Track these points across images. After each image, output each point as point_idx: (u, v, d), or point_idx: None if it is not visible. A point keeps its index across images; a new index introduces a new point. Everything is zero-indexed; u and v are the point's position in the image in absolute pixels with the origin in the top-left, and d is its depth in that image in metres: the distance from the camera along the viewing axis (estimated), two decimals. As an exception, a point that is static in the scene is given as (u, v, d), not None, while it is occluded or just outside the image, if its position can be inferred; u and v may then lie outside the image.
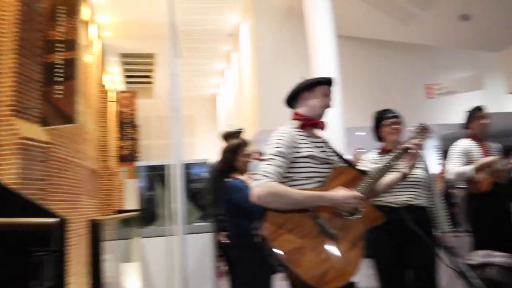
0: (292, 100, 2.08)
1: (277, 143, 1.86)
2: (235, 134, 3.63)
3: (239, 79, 12.10)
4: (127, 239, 4.74)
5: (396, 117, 2.63)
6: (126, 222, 4.78)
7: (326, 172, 1.89)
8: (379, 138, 2.69)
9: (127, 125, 11.46)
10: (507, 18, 7.20)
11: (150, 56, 11.65)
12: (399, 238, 2.44)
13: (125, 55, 11.67)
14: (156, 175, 4.50)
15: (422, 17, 7.56)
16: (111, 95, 10.98)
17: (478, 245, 3.23)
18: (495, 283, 2.76)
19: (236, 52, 12.05)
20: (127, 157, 11.02)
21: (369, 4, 7.76)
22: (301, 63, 8.55)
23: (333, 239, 1.73)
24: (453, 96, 7.81)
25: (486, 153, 3.31)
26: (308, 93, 2.01)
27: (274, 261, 1.65)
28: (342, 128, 5.45)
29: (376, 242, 2.41)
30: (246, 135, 3.04)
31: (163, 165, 4.16)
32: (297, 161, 1.87)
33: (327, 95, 2.00)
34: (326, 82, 2.02)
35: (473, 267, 3.24)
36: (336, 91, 5.51)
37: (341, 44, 9.11)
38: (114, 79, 12.75)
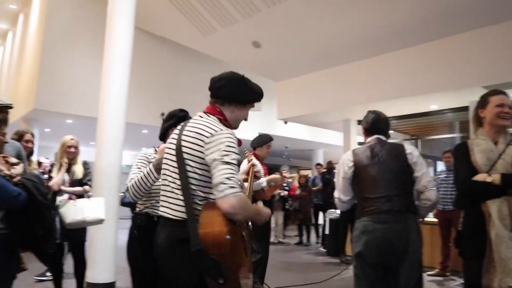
0: (227, 97, 1.95)
1: (233, 148, 1.77)
2: (1, 108, 3.07)
3: (21, 46, 10.61)
4: None
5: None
6: None
7: None
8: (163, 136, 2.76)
9: None
10: (290, 50, 8.20)
11: None
12: None
13: None
14: None
15: (221, 33, 7.98)
16: None
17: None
18: None
19: (25, 15, 10.55)
20: None
21: (175, 5, 7.80)
22: (94, 47, 8.01)
23: (247, 253, 1.85)
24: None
25: (265, 170, 4.50)
26: (241, 105, 1.97)
27: (215, 270, 1.62)
28: (123, 122, 5.24)
29: None
30: (16, 112, 2.58)
31: None
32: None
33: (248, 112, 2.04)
34: (259, 99, 2.03)
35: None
36: (123, 84, 5.30)
37: (140, 38, 8.92)
38: None
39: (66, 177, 4.07)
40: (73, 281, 4.21)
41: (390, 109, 8.51)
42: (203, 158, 1.78)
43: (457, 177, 2.47)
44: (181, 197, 1.80)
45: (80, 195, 4.05)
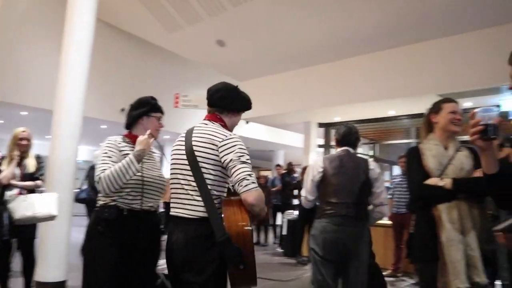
0: (226, 106, 2.20)
1: (245, 150, 1.99)
2: None
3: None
4: None
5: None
6: None
7: None
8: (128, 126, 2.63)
9: None
10: (254, 50, 8.22)
11: None
12: None
13: None
14: None
15: (187, 31, 7.90)
16: None
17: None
18: None
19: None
20: None
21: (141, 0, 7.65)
22: (53, 36, 7.72)
23: None
24: (195, 109, 8.37)
25: None
26: (237, 112, 2.24)
27: (239, 257, 1.82)
28: (81, 116, 5.09)
29: None
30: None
31: None
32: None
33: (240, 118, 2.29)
34: (250, 107, 2.30)
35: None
36: (82, 76, 5.14)
37: (102, 30, 8.69)
38: None
39: (17, 171, 3.90)
40: (20, 280, 4.05)
41: (350, 113, 8.72)
42: (217, 160, 2.00)
43: (410, 180, 2.52)
44: (197, 198, 1.98)
45: (31, 190, 3.89)
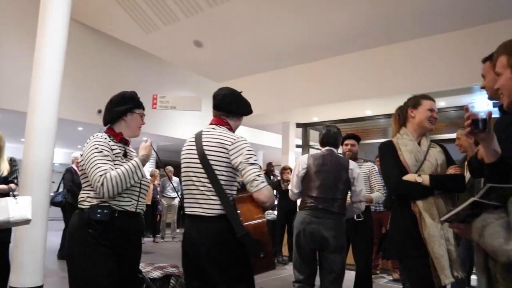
0: (232, 111, 2.39)
1: (252, 151, 2.21)
2: None
3: None
4: None
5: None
6: None
7: None
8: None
9: None
10: (232, 51, 8.22)
11: None
12: None
13: None
14: None
15: (163, 31, 7.84)
16: None
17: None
18: None
19: None
20: None
21: (117, 0, 7.56)
22: (26, 36, 7.57)
23: None
24: (174, 111, 8.33)
25: None
26: (240, 116, 2.45)
27: (259, 248, 2.06)
28: (55, 117, 5.00)
29: None
30: None
31: None
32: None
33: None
34: (251, 111, 2.49)
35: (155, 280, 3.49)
36: (56, 77, 5.05)
37: (77, 30, 8.55)
38: None
39: (-10, 175, 3.81)
40: (-5, 285, 3.96)
41: (328, 113, 8.81)
42: (228, 162, 2.19)
43: (386, 176, 2.50)
44: (213, 197, 2.16)
45: (5, 194, 3.80)
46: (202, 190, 2.19)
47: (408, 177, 2.32)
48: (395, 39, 6.83)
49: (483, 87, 1.90)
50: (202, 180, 2.19)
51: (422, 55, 6.62)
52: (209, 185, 2.17)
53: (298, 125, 10.23)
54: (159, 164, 11.53)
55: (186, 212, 2.25)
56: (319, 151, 3.64)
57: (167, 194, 10.02)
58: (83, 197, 2.31)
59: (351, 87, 7.49)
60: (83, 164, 2.30)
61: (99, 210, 2.21)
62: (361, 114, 8.77)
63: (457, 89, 6.47)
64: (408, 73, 6.76)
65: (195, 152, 2.25)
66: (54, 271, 6.05)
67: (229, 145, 2.18)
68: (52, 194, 5.07)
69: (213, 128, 2.32)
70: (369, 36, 6.83)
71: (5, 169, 3.90)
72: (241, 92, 2.46)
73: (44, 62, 4.99)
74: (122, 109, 2.47)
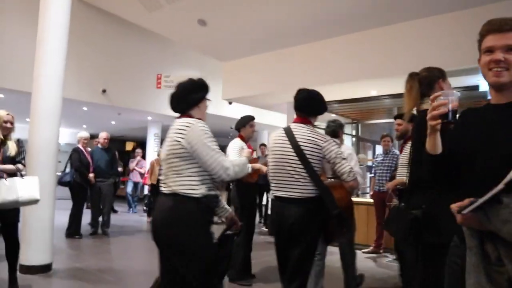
0: (314, 112, 3.03)
1: (339, 148, 2.85)
2: None
3: None
4: None
5: None
6: None
7: None
8: None
9: None
10: (237, 30, 8.13)
11: None
12: None
13: None
14: None
15: (167, 9, 7.74)
16: None
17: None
18: None
19: None
20: None
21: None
22: (29, 15, 7.52)
23: None
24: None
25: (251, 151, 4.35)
26: (318, 115, 3.06)
27: (347, 223, 2.89)
28: (60, 97, 5.01)
29: None
30: None
31: None
32: None
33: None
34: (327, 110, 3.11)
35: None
36: (60, 56, 5.04)
37: (81, 9, 8.48)
38: None
39: (-2, 155, 3.84)
40: (4, 263, 4.03)
41: (332, 93, 8.74)
42: (320, 156, 2.79)
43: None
44: (306, 182, 2.73)
45: (12, 174, 3.83)
46: (297, 178, 2.74)
47: None
48: (402, 18, 6.72)
49: None
50: (298, 169, 2.73)
51: (429, 34, 6.52)
52: (304, 173, 2.71)
53: (303, 105, 10.17)
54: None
55: (275, 194, 2.82)
56: None
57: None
58: (190, 184, 2.32)
59: (355, 67, 7.41)
60: (192, 149, 2.31)
61: (214, 199, 2.43)
62: (365, 94, 8.71)
63: (465, 69, 6.39)
64: (414, 52, 6.68)
65: (289, 145, 2.78)
66: (62, 249, 6.15)
67: (322, 143, 2.77)
68: (59, 174, 5.11)
69: (301, 126, 2.87)
70: (376, 14, 6.72)
71: (13, 149, 3.93)
72: (319, 92, 3.01)
73: (47, 42, 4.97)
74: (199, 96, 2.53)
